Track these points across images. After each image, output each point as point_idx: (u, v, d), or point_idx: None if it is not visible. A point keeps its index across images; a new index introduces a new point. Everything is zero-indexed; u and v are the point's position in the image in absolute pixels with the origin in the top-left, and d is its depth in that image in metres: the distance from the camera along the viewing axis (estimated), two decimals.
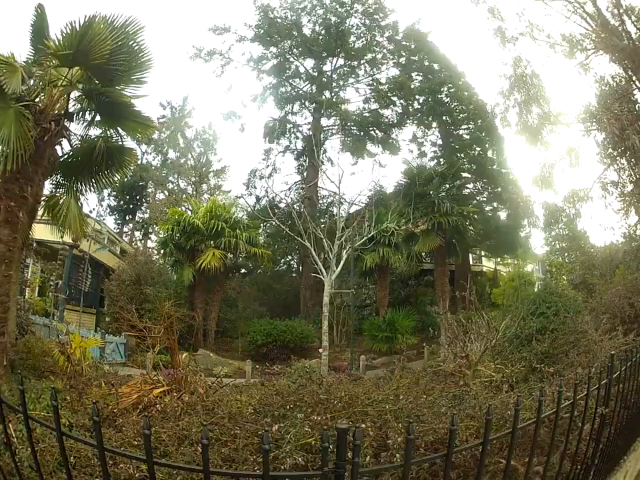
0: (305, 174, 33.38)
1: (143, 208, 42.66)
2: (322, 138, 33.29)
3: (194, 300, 22.86)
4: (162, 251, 25.80)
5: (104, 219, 37.68)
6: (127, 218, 42.75)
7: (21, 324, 9.16)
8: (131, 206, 41.83)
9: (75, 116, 7.83)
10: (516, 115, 23.37)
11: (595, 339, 8.16)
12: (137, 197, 41.55)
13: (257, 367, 15.89)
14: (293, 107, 34.08)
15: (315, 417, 4.18)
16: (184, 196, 39.02)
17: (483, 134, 27.23)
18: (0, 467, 2.85)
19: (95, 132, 8.60)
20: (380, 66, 33.14)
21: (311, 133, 32.95)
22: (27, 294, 17.10)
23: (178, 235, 22.96)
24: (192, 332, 21.32)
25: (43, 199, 8.31)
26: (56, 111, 7.16)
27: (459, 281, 24.96)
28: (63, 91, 7.06)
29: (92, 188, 8.99)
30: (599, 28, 18.70)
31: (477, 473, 2.60)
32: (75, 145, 8.31)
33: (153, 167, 41.33)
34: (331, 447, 2.04)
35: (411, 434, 2.10)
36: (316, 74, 33.40)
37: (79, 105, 8.03)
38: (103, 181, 8.96)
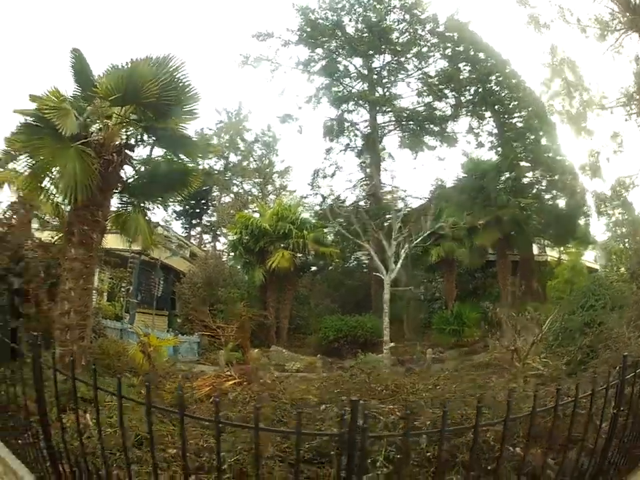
0: (367, 171, 33.57)
1: (209, 212, 44.36)
2: (380, 134, 33.73)
3: (266, 299, 23.74)
4: (232, 254, 27.06)
5: (170, 224, 39.44)
6: (194, 222, 44.54)
7: (94, 328, 10.15)
8: (197, 210, 43.39)
9: (135, 146, 8.81)
10: (559, 104, 23.26)
11: (625, 335, 8.20)
12: (203, 201, 43.09)
13: (329, 360, 16.75)
14: (348, 106, 34.22)
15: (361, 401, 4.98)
16: (249, 198, 40.38)
17: (535, 121, 26.74)
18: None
19: (158, 151, 9.53)
20: (427, 59, 32.96)
21: (369, 130, 33.33)
22: (95, 300, 18.71)
23: (247, 237, 23.82)
24: (265, 330, 22.21)
25: (111, 215, 9.44)
26: (116, 142, 8.17)
27: (524, 272, 25.26)
28: (119, 127, 8.07)
29: (158, 205, 10.06)
30: (624, 7, 18.43)
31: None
32: (139, 168, 9.31)
33: (216, 172, 42.72)
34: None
35: (408, 411, 2.88)
36: (366, 72, 33.56)
37: (139, 135, 8.99)
38: (169, 198, 10.01)
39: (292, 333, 24.19)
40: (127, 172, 9.05)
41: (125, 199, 9.58)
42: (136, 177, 9.23)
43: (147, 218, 10.02)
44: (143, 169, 9.28)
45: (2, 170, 8.56)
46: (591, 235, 27.73)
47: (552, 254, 30.87)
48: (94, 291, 16.59)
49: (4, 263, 8.68)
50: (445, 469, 3.66)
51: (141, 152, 9.28)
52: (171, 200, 10.11)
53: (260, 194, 41.54)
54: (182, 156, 9.33)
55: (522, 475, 3.51)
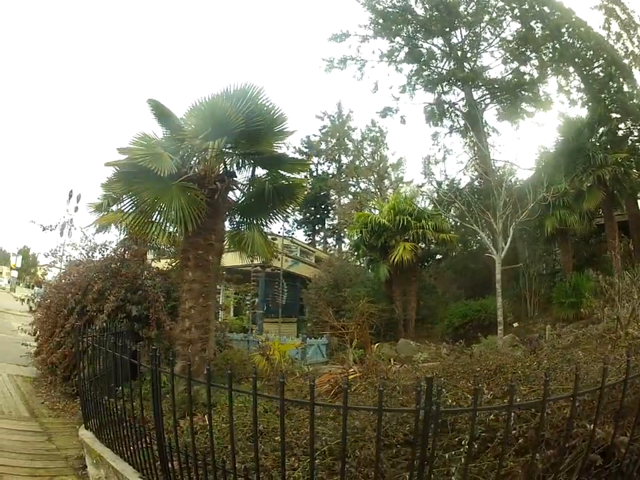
0: (475, 149, 33.00)
1: (330, 215, 45.58)
2: (479, 110, 33.07)
3: (392, 293, 24.06)
4: (355, 253, 27.78)
5: (293, 233, 41.09)
6: (317, 227, 45.91)
7: (219, 342, 11.05)
8: (318, 216, 44.92)
9: (235, 172, 9.50)
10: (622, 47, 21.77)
11: None
12: (322, 207, 44.46)
13: (453, 347, 16.85)
14: (442, 87, 34.20)
15: (462, 382, 5.20)
16: (367, 195, 40.98)
17: (613, 68, 25.39)
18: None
19: (261, 171, 10.13)
20: (500, 24, 32.22)
21: (467, 108, 33.13)
22: (221, 316, 20.12)
23: (368, 235, 24.29)
24: (393, 324, 22.65)
25: (226, 235, 10.32)
26: (220, 171, 8.98)
27: (634, 231, 23.66)
28: (215, 159, 8.86)
29: (270, 220, 10.78)
30: None
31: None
32: (246, 189, 10.04)
33: (330, 176, 43.84)
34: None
35: (478, 385, 3.20)
36: (448, 50, 33.31)
37: (239, 161, 9.71)
38: (279, 213, 10.70)
39: (420, 324, 24.24)
40: (237, 194, 9.89)
41: (238, 219, 10.36)
42: (244, 198, 9.99)
43: (263, 233, 10.68)
44: (251, 189, 10.01)
45: (105, 213, 9.63)
46: None
47: None
48: (220, 308, 18.01)
49: (120, 294, 9.73)
50: (516, 446, 3.76)
51: (247, 173, 9.99)
52: (282, 214, 10.72)
53: (377, 190, 41.89)
54: (282, 172, 9.95)
55: (594, 453, 3.54)
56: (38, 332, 11.21)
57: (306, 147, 45.05)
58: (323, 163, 45.37)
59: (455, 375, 5.78)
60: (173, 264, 12.03)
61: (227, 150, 9.13)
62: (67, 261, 12.66)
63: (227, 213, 9.79)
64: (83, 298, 9.92)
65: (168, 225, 8.51)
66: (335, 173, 44.47)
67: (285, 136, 9.65)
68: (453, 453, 3.70)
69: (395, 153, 44.21)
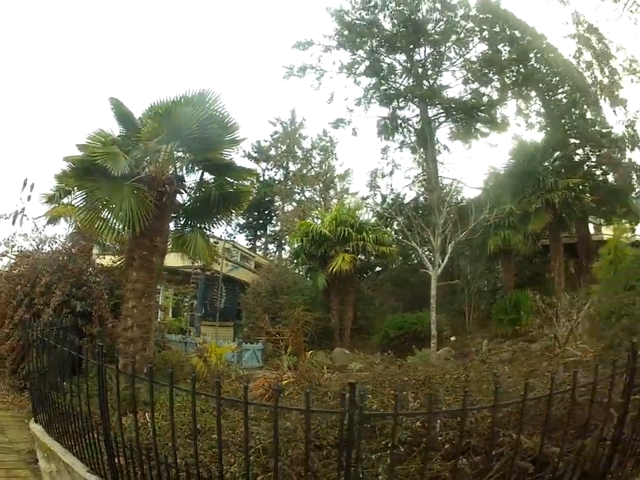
0: (423, 166, 33.50)
1: (273, 221, 45.68)
2: (432, 128, 34.09)
3: (329, 303, 24.38)
4: (295, 261, 28.02)
5: (234, 237, 40.91)
6: (258, 233, 45.94)
7: (157, 342, 11.06)
8: (261, 221, 44.91)
9: (184, 176, 9.77)
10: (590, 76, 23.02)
11: None
12: (266, 212, 44.52)
13: (387, 359, 17.30)
14: (398, 103, 34.77)
15: (388, 390, 5.46)
16: (312, 204, 41.29)
17: (578, 95, 26.41)
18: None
19: (210, 176, 10.42)
20: (467, 45, 33.02)
21: (420, 125, 33.89)
22: (160, 316, 20.09)
23: (308, 244, 24.56)
24: (329, 332, 22.98)
25: (170, 236, 10.46)
26: (169, 174, 9.16)
27: (582, 254, 24.90)
28: (167, 162, 9.05)
29: (214, 225, 10.98)
30: None
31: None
32: (193, 193, 10.28)
33: (277, 182, 43.95)
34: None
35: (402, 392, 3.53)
36: (409, 66, 33.95)
37: (189, 165, 9.96)
38: (223, 218, 10.92)
39: (356, 334, 24.57)
40: (184, 197, 10.08)
41: (182, 222, 10.55)
42: (190, 201, 10.18)
43: (205, 236, 10.89)
44: (198, 193, 10.22)
45: (57, 205, 9.64)
46: None
47: (608, 232, 29.40)
48: (159, 308, 18.00)
49: (66, 289, 9.72)
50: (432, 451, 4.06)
51: (196, 177, 10.24)
52: (225, 220, 10.96)
53: (322, 199, 42.25)
54: (230, 179, 10.19)
55: (525, 461, 3.82)
56: None
57: (256, 152, 44.91)
58: (271, 169, 45.34)
59: (384, 383, 6.11)
60: (118, 262, 12.01)
61: (179, 154, 9.32)
62: (18, 251, 12.50)
63: (173, 215, 9.95)
64: (31, 290, 9.91)
65: (116, 223, 8.61)
66: (282, 179, 44.54)
67: (236, 144, 10.07)
68: (380, 454, 3.98)
69: (343, 163, 44.46)
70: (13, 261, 12.39)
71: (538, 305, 13.26)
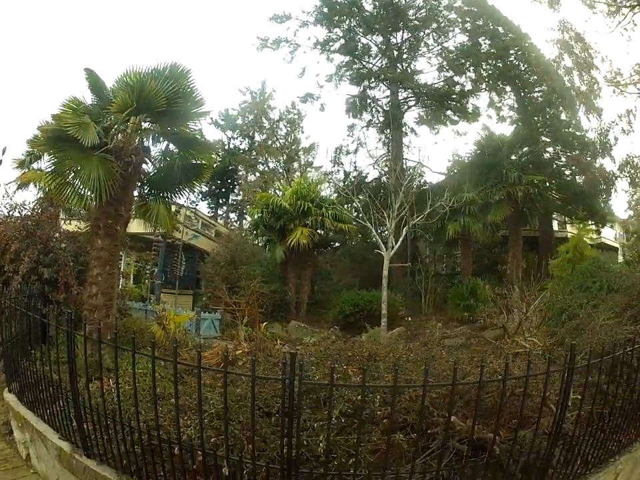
0: (389, 146, 34.53)
1: (235, 191, 45.64)
2: (401, 110, 34.48)
3: (286, 276, 24.72)
4: (254, 232, 28.17)
5: (197, 205, 40.79)
6: (220, 201, 45.89)
7: (120, 309, 11.31)
8: (223, 190, 44.93)
9: (150, 147, 9.94)
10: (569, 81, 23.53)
11: (598, 322, 7.88)
12: (229, 181, 44.48)
13: (341, 334, 17.70)
14: (369, 83, 34.99)
15: (336, 365, 5.94)
16: (274, 175, 41.40)
17: (555, 96, 26.96)
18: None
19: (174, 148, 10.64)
20: (446, 34, 33.40)
21: (390, 106, 34.01)
22: (122, 283, 20.23)
23: (268, 216, 24.79)
24: (285, 305, 23.41)
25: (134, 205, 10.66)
26: (135, 145, 9.33)
27: (542, 248, 25.74)
28: (135, 134, 9.22)
29: (175, 195, 11.18)
30: None
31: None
32: (157, 164, 10.46)
33: (241, 151, 43.83)
34: None
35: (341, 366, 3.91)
36: (385, 49, 34.14)
37: (155, 137, 10.11)
38: (185, 189, 11.12)
39: (313, 308, 25.00)
40: (149, 167, 10.25)
41: (146, 191, 10.71)
42: (155, 172, 10.37)
43: (168, 206, 11.07)
44: (162, 164, 10.41)
45: (27, 170, 9.67)
46: (609, 213, 28.41)
47: (572, 230, 30.70)
48: (120, 275, 18.11)
49: (34, 256, 9.80)
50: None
51: (162, 147, 10.43)
52: (187, 190, 11.20)
53: (284, 171, 42.35)
54: (193, 152, 10.41)
55: (463, 445, 4.12)
56: None
57: (223, 120, 44.56)
58: (237, 138, 45.07)
59: (329, 358, 6.25)
60: (83, 229, 12.08)
61: (145, 125, 9.47)
62: None
63: (138, 184, 10.12)
64: (1, 258, 9.97)
65: (85, 191, 8.77)
66: (247, 149, 44.41)
67: (202, 116, 10.22)
68: (322, 424, 4.14)
69: (309, 137, 44.63)
70: None
71: (488, 294, 13.83)
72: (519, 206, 23.70)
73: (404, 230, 19.47)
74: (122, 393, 4.54)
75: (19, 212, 11.45)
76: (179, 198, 11.22)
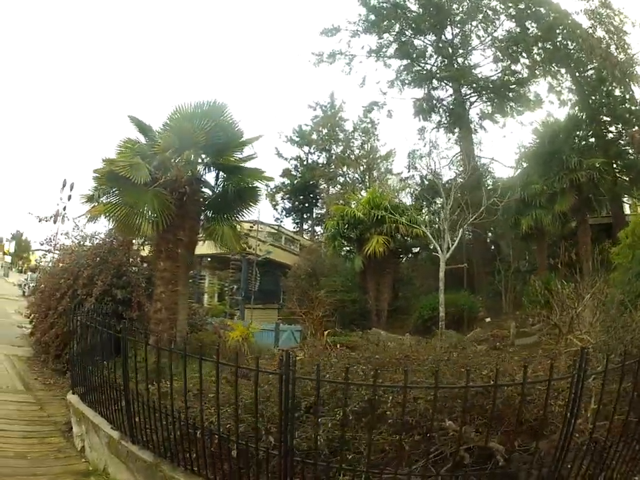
0: (460, 145, 34.39)
1: (319, 204, 47.03)
2: (467, 107, 34.67)
3: (366, 284, 25.23)
4: (333, 244, 28.65)
5: (281, 221, 43.08)
6: (305, 216, 47.43)
7: (194, 324, 12.62)
8: (307, 205, 46.42)
9: (204, 176, 11.26)
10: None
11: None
12: (311, 195, 45.88)
13: (417, 339, 18.10)
14: (431, 83, 35.12)
15: (365, 367, 5.73)
16: (355, 186, 42.23)
17: (605, 72, 26.08)
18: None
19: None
20: (494, 23, 33.03)
21: (455, 104, 34.25)
22: (206, 300, 21.88)
23: (344, 227, 25.70)
24: (367, 313, 24.07)
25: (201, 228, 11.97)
26: (188, 176, 10.55)
27: (616, 235, 24.70)
28: (185, 167, 10.48)
29: (234, 216, 12.27)
30: None
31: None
32: (213, 190, 11.67)
33: (320, 165, 45.18)
34: None
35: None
36: (439, 47, 34.26)
37: (205, 168, 11.38)
38: (242, 210, 12.26)
39: (395, 315, 25.27)
40: (209, 193, 11.52)
41: (210, 215, 11.89)
42: (212, 197, 11.61)
43: (232, 226, 12.21)
44: (217, 190, 11.62)
45: (96, 204, 11.00)
46: None
47: None
48: (202, 293, 19.63)
49: (107, 280, 11.31)
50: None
51: (213, 175, 11.68)
52: (245, 212, 12.36)
53: (366, 180, 43.06)
54: (243, 177, 11.55)
55: (461, 451, 3.97)
56: (33, 314, 12.90)
57: (297, 137, 46.35)
58: (314, 153, 46.61)
59: (361, 360, 6.55)
60: (149, 253, 13.51)
61: (194, 160, 10.73)
62: (60, 248, 14.17)
63: (198, 211, 11.35)
64: (74, 283, 11.46)
65: (141, 221, 10.10)
66: (325, 162, 45.67)
67: (245, 145, 11.34)
68: (327, 419, 4.44)
69: (385, 144, 45.25)
70: (56, 257, 14.14)
71: (555, 289, 13.22)
72: (584, 193, 23.02)
73: (459, 231, 19.74)
74: (175, 391, 5.07)
75: (89, 241, 13.11)
76: (238, 218, 12.32)
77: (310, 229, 48.25)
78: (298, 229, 46.39)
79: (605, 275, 13.93)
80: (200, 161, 11.07)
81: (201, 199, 11.25)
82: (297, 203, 46.31)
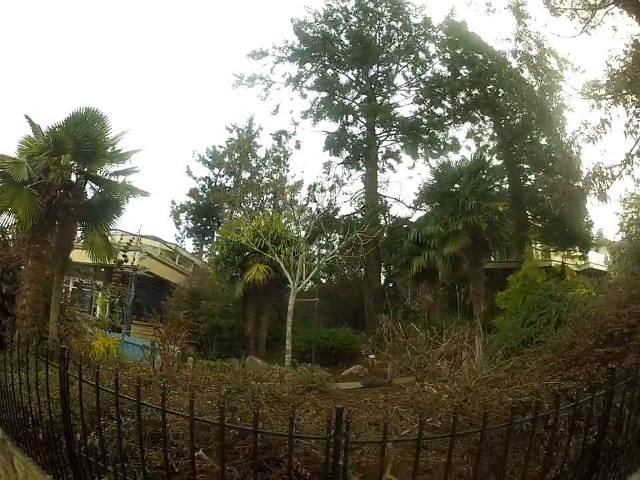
0: (364, 182, 36.13)
1: (220, 227, 48.06)
2: (377, 145, 36.19)
3: (245, 311, 26.29)
4: (216, 268, 29.01)
5: (182, 241, 44.39)
6: (206, 238, 48.42)
7: (74, 331, 13.36)
8: (208, 227, 47.45)
9: (72, 185, 12.32)
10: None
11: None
12: (214, 218, 46.81)
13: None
14: (347, 118, 36.61)
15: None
16: (259, 213, 43.51)
17: (533, 121, 25.96)
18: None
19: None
20: (424, 65, 35.03)
21: (366, 141, 35.79)
22: (98, 311, 22.61)
23: (228, 252, 26.71)
24: (244, 341, 25.03)
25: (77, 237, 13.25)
26: (61, 181, 11.57)
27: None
28: (58, 172, 11.59)
29: (102, 227, 13.36)
30: None
31: None
32: (80, 199, 12.63)
33: (227, 188, 46.30)
34: None
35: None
36: (364, 82, 35.99)
37: (79, 176, 12.70)
38: (108, 221, 13.43)
39: (275, 344, 25.82)
40: (77, 202, 12.51)
41: (83, 224, 13.24)
42: (80, 205, 12.58)
43: (104, 235, 13.51)
44: (84, 200, 12.84)
45: None
46: (595, 236, 29.06)
47: (556, 259, 30.88)
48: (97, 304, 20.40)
49: None
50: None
51: (81, 184, 12.91)
52: (112, 223, 13.57)
53: (269, 209, 44.35)
54: (108, 189, 13.08)
55: None
56: None
57: (210, 157, 47.49)
58: (223, 175, 47.57)
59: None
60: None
61: (66, 166, 12.05)
62: None
63: (69, 217, 12.48)
64: None
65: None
66: (232, 186, 46.69)
67: (119, 157, 12.94)
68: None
69: (294, 175, 46.56)
70: None
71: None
72: (480, 236, 23.41)
73: (315, 265, 21.46)
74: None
75: None
76: (107, 229, 13.58)
77: (209, 252, 49.14)
78: (198, 250, 47.46)
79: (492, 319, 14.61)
80: (73, 168, 12.46)
81: (70, 206, 12.24)
82: (199, 224, 47.19)
